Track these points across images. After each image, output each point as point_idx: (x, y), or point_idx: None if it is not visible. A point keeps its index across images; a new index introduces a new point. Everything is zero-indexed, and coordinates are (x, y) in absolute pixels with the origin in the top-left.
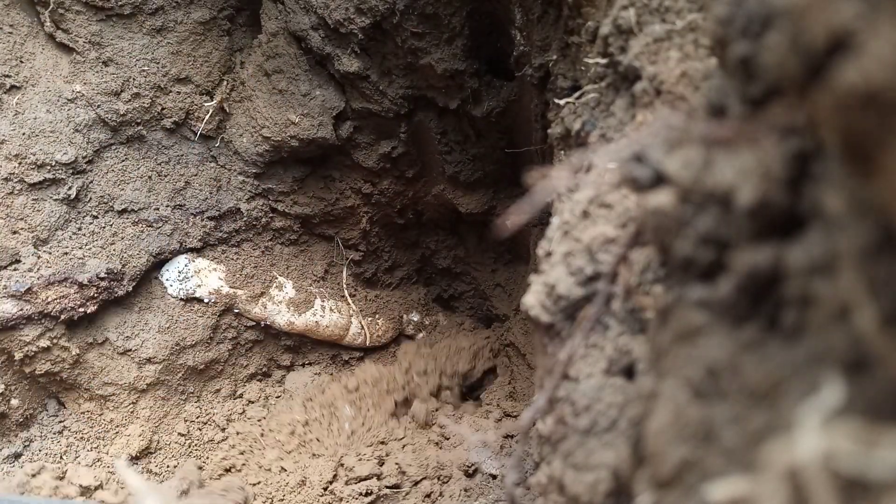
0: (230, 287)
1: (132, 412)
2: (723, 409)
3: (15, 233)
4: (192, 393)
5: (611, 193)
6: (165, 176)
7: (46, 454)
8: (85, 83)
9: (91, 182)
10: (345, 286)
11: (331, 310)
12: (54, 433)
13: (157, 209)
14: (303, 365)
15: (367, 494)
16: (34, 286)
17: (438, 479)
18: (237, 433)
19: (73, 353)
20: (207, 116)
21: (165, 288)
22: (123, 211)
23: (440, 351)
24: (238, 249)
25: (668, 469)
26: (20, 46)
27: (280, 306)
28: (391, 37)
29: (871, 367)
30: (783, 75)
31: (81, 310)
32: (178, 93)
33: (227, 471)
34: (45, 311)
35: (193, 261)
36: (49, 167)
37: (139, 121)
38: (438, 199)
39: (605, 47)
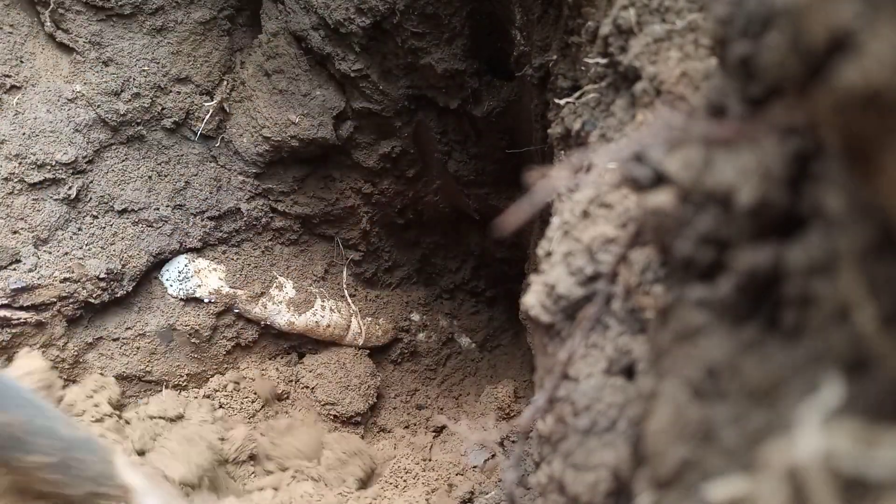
0: (230, 287)
1: None
2: (723, 409)
3: (15, 233)
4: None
5: (611, 193)
6: (165, 176)
7: None
8: (85, 83)
9: (91, 182)
10: (345, 286)
11: (331, 310)
12: None
13: (157, 209)
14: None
15: None
16: (34, 286)
17: None
18: None
19: (73, 352)
20: (207, 116)
21: (165, 288)
22: (123, 211)
23: None
24: (238, 249)
25: (668, 469)
26: (20, 46)
27: (280, 306)
28: (391, 37)
29: (871, 367)
30: (783, 75)
31: (80, 310)
32: (178, 93)
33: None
34: (45, 311)
35: (193, 261)
36: (49, 167)
37: (139, 121)
38: (439, 198)
39: (605, 47)
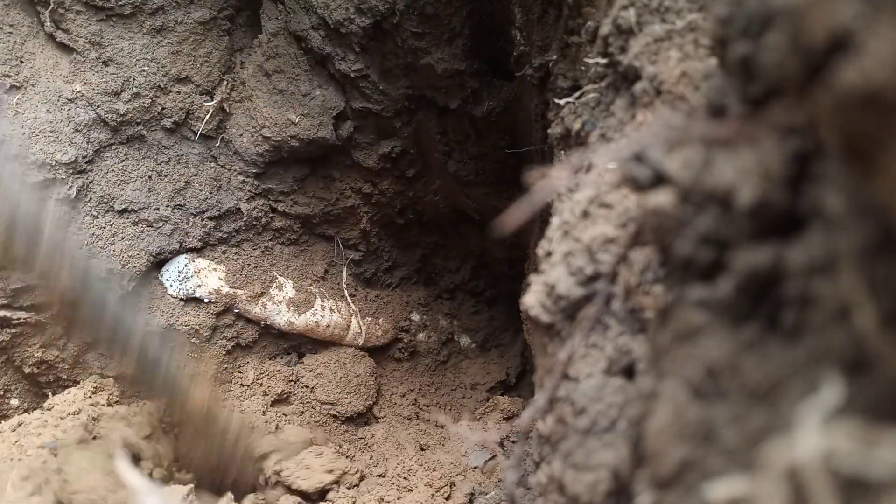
0: (230, 287)
1: None
2: (723, 409)
3: None
4: None
5: (611, 193)
6: (165, 176)
7: None
8: (85, 83)
9: (91, 182)
10: (345, 286)
11: (331, 310)
12: None
13: (157, 209)
14: None
15: None
16: (34, 286)
17: None
18: None
19: (73, 352)
20: (207, 116)
21: (165, 288)
22: (123, 211)
23: None
24: (238, 249)
25: (668, 469)
26: (20, 46)
27: (280, 306)
28: (391, 37)
29: (871, 367)
30: (783, 75)
31: None
32: (178, 93)
33: None
34: (45, 311)
35: (193, 261)
36: (49, 167)
37: (139, 121)
38: (439, 198)
39: (605, 47)
